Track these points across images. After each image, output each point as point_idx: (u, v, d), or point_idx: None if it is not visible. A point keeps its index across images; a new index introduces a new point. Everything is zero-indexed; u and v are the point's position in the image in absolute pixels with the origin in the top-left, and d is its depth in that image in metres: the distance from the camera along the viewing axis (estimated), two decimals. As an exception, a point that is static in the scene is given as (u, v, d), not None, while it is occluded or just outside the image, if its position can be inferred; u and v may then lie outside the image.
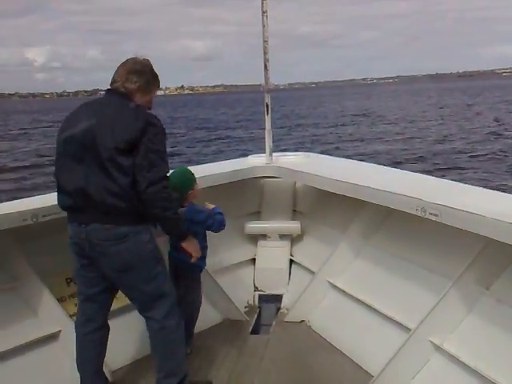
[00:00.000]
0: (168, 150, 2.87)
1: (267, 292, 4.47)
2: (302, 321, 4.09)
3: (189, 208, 3.35)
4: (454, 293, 3.10)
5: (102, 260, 2.83)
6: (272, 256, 4.59)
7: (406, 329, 3.26)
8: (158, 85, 3.06)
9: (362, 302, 3.73)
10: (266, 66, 4.45)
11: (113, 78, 2.91)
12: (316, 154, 5.37)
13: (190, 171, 3.48)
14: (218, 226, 3.41)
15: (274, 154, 4.64)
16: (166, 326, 2.90)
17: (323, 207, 4.33)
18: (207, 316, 3.96)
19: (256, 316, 4.29)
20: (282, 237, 4.62)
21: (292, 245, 4.68)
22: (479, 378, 2.82)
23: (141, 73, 2.90)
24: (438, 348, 3.11)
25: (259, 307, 4.40)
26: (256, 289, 4.56)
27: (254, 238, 4.71)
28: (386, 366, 3.16)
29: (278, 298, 4.39)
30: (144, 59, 2.97)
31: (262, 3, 4.36)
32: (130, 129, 2.69)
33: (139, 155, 2.67)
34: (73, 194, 2.79)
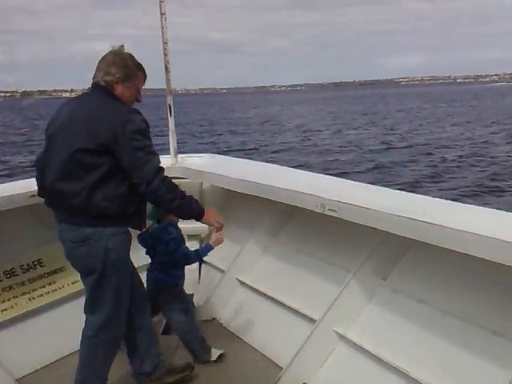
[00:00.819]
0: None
1: None
2: (214, 318, 4.16)
3: (160, 228, 3.31)
4: (354, 284, 3.29)
5: (70, 261, 2.83)
6: None
7: (312, 320, 3.40)
8: (144, 75, 2.95)
9: (270, 297, 3.85)
10: (166, 68, 4.43)
11: (95, 72, 2.84)
12: (221, 156, 5.43)
13: None
14: (180, 257, 3.35)
15: (179, 156, 4.63)
16: (98, 336, 2.86)
17: (231, 207, 4.39)
18: None
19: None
20: (191, 237, 4.61)
21: (201, 245, 4.70)
22: (380, 364, 3.02)
23: (120, 64, 2.82)
24: (342, 337, 3.28)
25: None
26: None
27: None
28: (295, 358, 3.28)
29: (189, 297, 4.40)
30: (122, 49, 2.89)
31: (160, 5, 4.34)
32: (105, 130, 2.61)
33: (126, 157, 2.62)
34: (46, 191, 2.75)
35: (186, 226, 4.17)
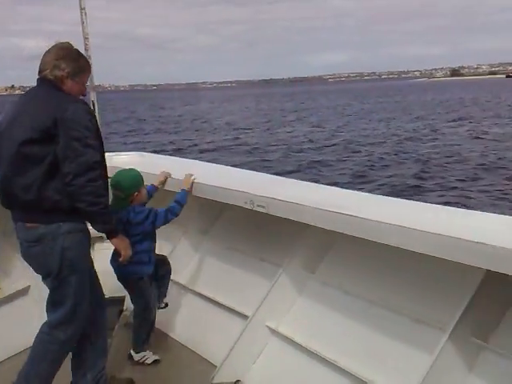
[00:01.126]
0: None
1: (108, 296, 4.32)
2: None
3: (128, 210, 3.23)
4: (284, 279, 3.34)
5: (27, 261, 2.77)
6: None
7: (245, 317, 3.41)
8: (90, 70, 2.89)
9: (204, 296, 3.85)
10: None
11: (40, 66, 2.70)
12: (149, 154, 5.33)
13: (139, 172, 3.33)
14: (162, 219, 3.31)
15: (106, 154, 4.51)
16: (52, 333, 2.79)
17: (160, 205, 4.33)
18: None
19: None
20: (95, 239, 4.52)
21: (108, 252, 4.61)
22: (311, 356, 3.08)
23: (69, 58, 2.73)
24: (274, 332, 3.32)
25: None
26: None
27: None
28: (228, 355, 3.28)
29: (119, 301, 4.28)
30: (69, 44, 2.80)
31: (80, 0, 4.22)
32: (45, 117, 2.54)
33: (60, 144, 2.52)
34: (1, 190, 2.68)
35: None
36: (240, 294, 3.64)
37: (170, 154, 17.87)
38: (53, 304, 2.82)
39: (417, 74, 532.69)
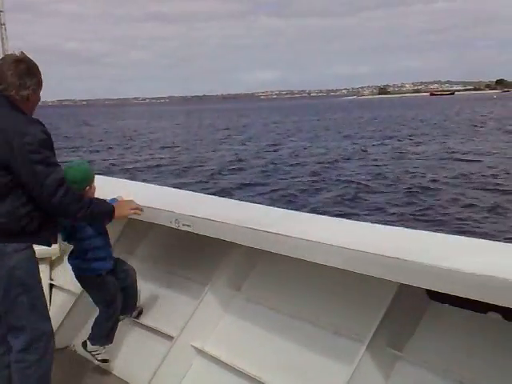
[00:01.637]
0: None
1: None
2: (67, 346, 3.96)
3: None
4: (209, 297, 3.35)
5: None
6: None
7: (169, 337, 3.38)
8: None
9: (127, 317, 3.75)
10: None
11: None
12: None
13: (91, 167, 3.24)
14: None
15: None
16: (23, 359, 2.68)
17: (136, 239, 4.22)
18: None
19: None
20: (40, 260, 4.35)
21: (51, 268, 4.48)
22: (237, 375, 3.10)
23: (31, 73, 2.67)
24: (199, 351, 3.32)
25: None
26: None
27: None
28: (153, 377, 3.23)
29: None
30: (24, 55, 2.71)
31: (0, 15, 4.11)
32: (1, 145, 2.47)
33: (24, 172, 2.47)
34: None
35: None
36: (165, 314, 3.61)
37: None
38: (12, 328, 2.72)
39: (344, 92, 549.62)
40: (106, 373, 3.61)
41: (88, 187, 3.16)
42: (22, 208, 2.62)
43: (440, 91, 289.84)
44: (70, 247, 4.37)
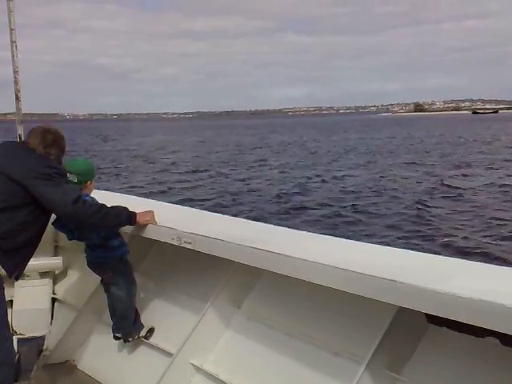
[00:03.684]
0: None
1: (27, 335, 4.24)
2: (67, 361, 4.00)
3: None
4: (210, 315, 3.37)
5: None
6: (31, 296, 4.38)
7: (169, 354, 3.40)
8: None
9: None
10: (17, 97, 4.31)
11: (29, 139, 3.13)
12: None
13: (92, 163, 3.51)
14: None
15: None
16: None
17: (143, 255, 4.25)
18: None
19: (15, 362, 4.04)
20: (43, 274, 4.44)
21: (54, 282, 4.55)
22: None
23: (56, 144, 3.15)
24: (198, 369, 3.33)
25: (18, 352, 4.15)
26: (14, 333, 4.28)
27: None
28: None
29: (39, 340, 4.21)
30: (54, 129, 3.22)
31: (11, 33, 4.23)
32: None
33: (40, 195, 2.90)
34: None
35: (36, 262, 4.02)
36: (165, 330, 3.63)
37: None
38: None
39: (373, 108, 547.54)
40: None
41: (89, 182, 3.40)
42: (13, 228, 2.86)
43: (483, 109, 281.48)
44: (74, 261, 4.45)
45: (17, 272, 3.01)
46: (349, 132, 75.29)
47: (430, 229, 13.15)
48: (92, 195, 3.43)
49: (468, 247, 11.18)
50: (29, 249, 3.04)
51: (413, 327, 2.68)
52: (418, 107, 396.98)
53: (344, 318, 2.95)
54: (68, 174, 3.27)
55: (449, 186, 20.06)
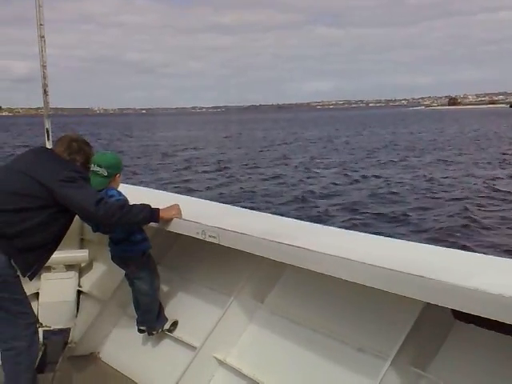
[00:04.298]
0: None
1: (53, 327, 4.33)
2: (92, 353, 4.07)
3: (103, 191, 3.34)
4: (233, 309, 3.38)
5: None
6: (57, 288, 4.46)
7: (192, 347, 3.43)
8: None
9: None
10: (45, 91, 4.38)
11: (57, 147, 3.29)
12: None
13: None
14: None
15: None
16: (13, 347, 2.96)
17: (166, 250, 4.29)
18: None
19: (40, 354, 4.12)
20: (69, 267, 4.53)
21: (80, 275, 4.63)
22: None
23: (82, 152, 3.29)
24: (221, 363, 3.35)
25: (44, 344, 4.24)
26: (40, 325, 4.36)
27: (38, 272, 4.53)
28: None
29: (65, 332, 4.28)
30: (79, 136, 3.41)
31: (39, 28, 4.29)
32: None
33: (63, 198, 3.03)
34: None
35: (63, 255, 4.09)
36: (189, 324, 3.66)
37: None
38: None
39: (404, 102, 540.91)
40: (130, 381, 3.70)
41: (117, 175, 3.47)
42: (32, 228, 2.97)
43: None
44: (100, 254, 4.51)
45: (31, 271, 3.11)
46: (387, 126, 73.59)
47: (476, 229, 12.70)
48: (118, 189, 3.49)
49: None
50: (44, 250, 3.14)
51: (439, 323, 2.66)
52: (452, 101, 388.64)
53: (369, 313, 2.94)
54: (98, 168, 3.36)
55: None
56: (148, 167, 27.10)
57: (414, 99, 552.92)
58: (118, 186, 3.51)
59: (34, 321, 3.08)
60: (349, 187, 19.86)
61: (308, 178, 22.67)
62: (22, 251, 2.96)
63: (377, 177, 22.16)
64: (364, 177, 22.33)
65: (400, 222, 13.64)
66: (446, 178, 21.39)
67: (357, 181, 21.37)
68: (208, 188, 19.97)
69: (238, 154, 33.76)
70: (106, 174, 3.38)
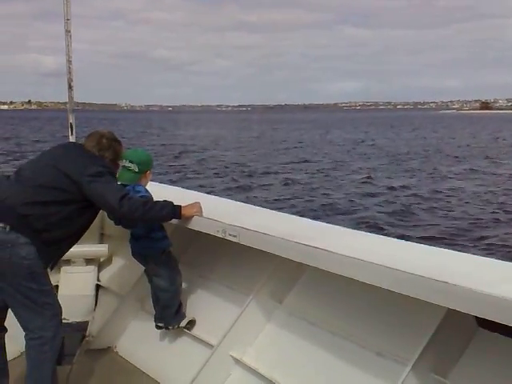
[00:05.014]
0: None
1: (71, 320, 4.35)
2: (109, 347, 4.10)
3: (130, 187, 3.39)
4: (251, 308, 3.38)
5: None
6: (77, 282, 4.53)
7: (209, 345, 3.44)
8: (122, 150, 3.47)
9: None
10: (70, 86, 4.43)
11: (87, 142, 3.30)
12: None
13: None
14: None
15: None
16: (40, 336, 3.01)
17: (186, 247, 4.31)
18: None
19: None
20: (88, 261, 4.58)
21: (99, 269, 4.68)
22: None
23: (111, 148, 3.31)
24: (238, 362, 3.35)
25: (62, 336, 4.28)
26: None
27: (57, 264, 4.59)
28: None
29: (82, 326, 4.33)
30: (110, 133, 3.39)
31: (66, 23, 4.34)
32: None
33: (90, 194, 3.07)
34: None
35: (83, 249, 4.12)
36: (206, 322, 3.67)
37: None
38: (25, 311, 3.00)
39: (432, 105, 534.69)
40: (146, 376, 3.73)
41: (148, 172, 3.51)
42: (58, 222, 3.01)
43: None
44: (119, 249, 4.54)
45: (52, 263, 3.22)
46: (422, 129, 71.52)
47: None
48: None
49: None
50: (67, 243, 3.21)
51: (461, 330, 2.63)
52: (484, 105, 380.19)
53: (389, 317, 2.91)
54: (129, 163, 3.42)
55: None
56: (175, 167, 26.55)
57: (443, 102, 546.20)
58: (147, 182, 3.55)
59: (59, 312, 3.12)
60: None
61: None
62: (47, 244, 3.00)
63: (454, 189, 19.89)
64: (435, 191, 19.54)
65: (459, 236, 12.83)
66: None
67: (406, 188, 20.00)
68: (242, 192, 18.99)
69: (273, 158, 31.66)
70: (136, 170, 3.42)
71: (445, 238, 12.43)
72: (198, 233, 3.60)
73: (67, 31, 4.46)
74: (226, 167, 26.11)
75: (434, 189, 19.53)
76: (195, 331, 3.66)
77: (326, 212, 15.50)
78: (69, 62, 4.46)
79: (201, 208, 3.41)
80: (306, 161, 29.59)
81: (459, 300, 2.18)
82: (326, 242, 2.81)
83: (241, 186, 20.35)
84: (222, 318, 3.48)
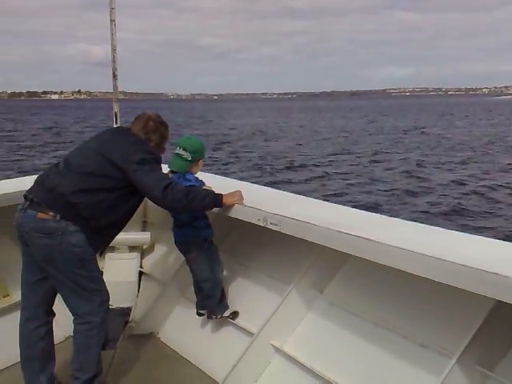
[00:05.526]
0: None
1: (115, 306, 4.43)
2: (151, 333, 4.17)
3: (179, 175, 3.45)
4: (292, 297, 3.37)
5: (31, 248, 3.03)
6: (120, 268, 4.62)
7: (250, 333, 3.47)
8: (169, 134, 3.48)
9: None
10: (114, 75, 4.49)
11: (134, 125, 3.32)
12: (163, 166, 5.45)
13: None
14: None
15: None
16: (89, 321, 3.10)
17: (226, 234, 4.34)
18: None
19: None
20: (132, 248, 4.67)
21: (142, 256, 4.76)
22: (314, 377, 3.11)
23: (157, 131, 3.33)
24: (278, 350, 3.37)
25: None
26: None
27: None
28: (231, 372, 3.33)
29: (126, 312, 4.42)
30: (157, 116, 3.41)
31: (111, 12, 4.40)
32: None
33: (136, 180, 3.08)
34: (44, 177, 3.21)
35: (126, 237, 4.20)
36: (247, 310, 3.70)
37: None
38: (74, 297, 3.08)
39: (485, 91, 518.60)
40: (187, 362, 3.78)
41: (200, 160, 3.52)
42: (105, 209, 3.05)
43: None
44: (161, 237, 4.61)
45: (101, 249, 3.30)
46: (475, 116, 67.82)
47: None
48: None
49: None
50: (114, 229, 3.25)
51: (509, 323, 2.55)
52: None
53: (434, 309, 2.86)
54: (183, 151, 3.43)
55: None
56: (219, 157, 26.22)
57: (496, 88, 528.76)
58: (197, 171, 3.55)
59: (107, 298, 3.18)
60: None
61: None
62: (95, 231, 3.05)
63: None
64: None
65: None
66: None
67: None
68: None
69: (321, 147, 30.78)
70: (190, 158, 3.43)
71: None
72: (239, 221, 3.61)
73: (112, 20, 4.52)
74: (265, 158, 25.73)
75: (494, 184, 18.21)
76: (236, 319, 3.70)
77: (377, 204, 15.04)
78: (113, 51, 4.52)
79: (242, 196, 3.41)
80: (349, 152, 28.42)
81: (509, 291, 2.12)
82: (368, 231, 2.77)
83: (280, 178, 19.95)
84: (262, 307, 3.49)
